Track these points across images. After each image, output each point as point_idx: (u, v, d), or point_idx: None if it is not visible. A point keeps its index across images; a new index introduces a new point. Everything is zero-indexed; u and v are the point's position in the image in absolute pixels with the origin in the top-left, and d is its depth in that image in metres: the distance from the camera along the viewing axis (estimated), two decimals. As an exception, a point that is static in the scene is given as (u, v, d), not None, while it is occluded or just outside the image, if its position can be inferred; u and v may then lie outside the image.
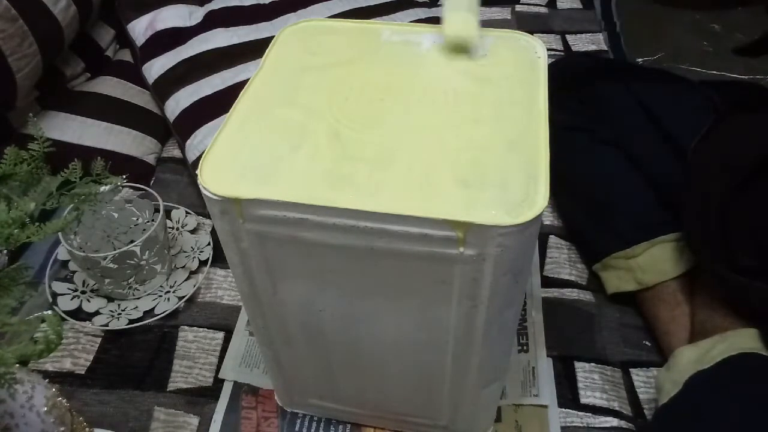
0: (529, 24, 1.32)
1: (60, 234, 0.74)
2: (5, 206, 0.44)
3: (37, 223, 0.45)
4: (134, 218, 0.85)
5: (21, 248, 0.87)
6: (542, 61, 0.54)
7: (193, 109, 0.97)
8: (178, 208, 0.91)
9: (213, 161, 0.47)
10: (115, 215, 0.84)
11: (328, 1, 1.15)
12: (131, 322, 0.78)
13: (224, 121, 0.50)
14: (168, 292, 0.82)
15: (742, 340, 0.66)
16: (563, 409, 0.71)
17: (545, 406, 0.71)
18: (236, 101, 0.52)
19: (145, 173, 0.99)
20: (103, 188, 0.52)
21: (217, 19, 1.09)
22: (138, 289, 0.81)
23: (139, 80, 1.08)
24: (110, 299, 0.81)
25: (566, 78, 0.88)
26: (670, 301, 0.76)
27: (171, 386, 0.74)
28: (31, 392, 0.49)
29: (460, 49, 0.55)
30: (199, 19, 1.10)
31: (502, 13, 1.36)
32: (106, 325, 0.77)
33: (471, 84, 0.52)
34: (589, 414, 0.70)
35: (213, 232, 0.89)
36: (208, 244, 0.87)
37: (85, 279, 0.83)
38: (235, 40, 1.05)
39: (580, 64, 0.94)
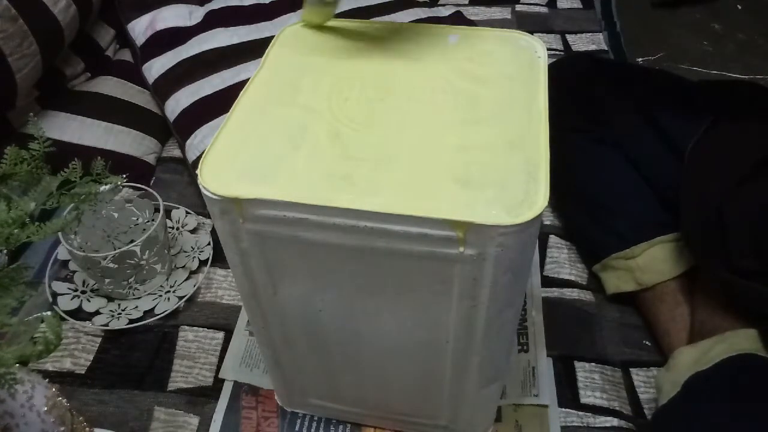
0: (529, 24, 1.32)
1: (60, 234, 0.74)
2: (5, 206, 0.44)
3: (37, 223, 0.45)
4: (134, 218, 0.85)
5: (21, 248, 0.87)
6: (542, 61, 0.54)
7: (193, 109, 0.97)
8: (178, 208, 0.91)
9: (213, 161, 0.47)
10: (115, 215, 0.84)
11: (328, 1, 1.14)
12: (131, 321, 0.78)
13: (224, 120, 0.50)
14: (168, 291, 0.82)
15: (742, 340, 0.66)
16: (563, 409, 0.71)
17: (545, 406, 0.71)
18: (236, 101, 0.52)
19: (145, 173, 0.99)
20: (103, 188, 0.52)
21: (217, 19, 1.09)
22: (138, 289, 0.81)
23: (139, 80, 1.08)
24: (110, 299, 0.81)
25: (566, 78, 0.88)
26: (669, 302, 0.76)
27: (171, 386, 0.74)
28: (31, 392, 0.49)
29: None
30: (199, 19, 1.10)
31: (502, 13, 1.36)
32: (106, 325, 0.77)
33: (471, 84, 0.52)
34: (589, 414, 0.70)
35: (213, 232, 0.89)
36: (208, 244, 0.87)
37: (85, 279, 0.83)
38: (235, 40, 1.05)
39: (580, 65, 0.94)
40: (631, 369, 0.76)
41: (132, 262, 0.76)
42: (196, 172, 0.46)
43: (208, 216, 0.90)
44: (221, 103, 0.91)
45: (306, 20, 0.60)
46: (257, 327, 0.58)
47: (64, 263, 0.86)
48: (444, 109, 0.50)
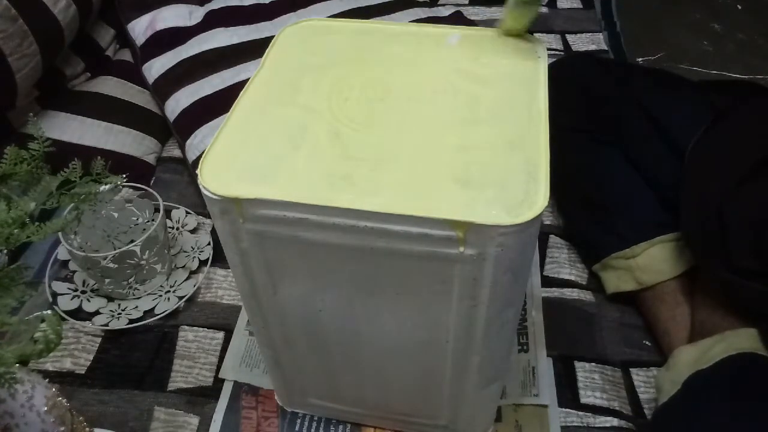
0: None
1: (60, 234, 0.74)
2: (5, 206, 0.44)
3: (37, 223, 0.45)
4: (134, 218, 0.85)
5: (21, 248, 0.87)
6: (542, 61, 0.54)
7: (193, 109, 0.97)
8: (178, 208, 0.91)
9: (213, 161, 0.47)
10: (115, 215, 0.84)
11: (328, 1, 1.15)
12: (131, 321, 0.78)
13: (224, 120, 0.50)
14: (168, 291, 0.82)
15: (741, 340, 0.66)
16: (563, 409, 0.71)
17: (545, 406, 0.71)
18: (236, 101, 0.52)
19: (145, 173, 0.99)
20: (103, 188, 0.52)
21: (217, 19, 1.09)
22: (138, 289, 0.81)
23: (139, 80, 1.08)
24: (110, 299, 0.81)
25: (566, 78, 0.88)
26: (669, 301, 0.76)
27: (171, 386, 0.74)
28: (31, 392, 0.49)
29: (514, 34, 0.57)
30: (199, 19, 1.10)
31: (502, 13, 1.36)
32: (106, 325, 0.77)
33: (471, 84, 0.52)
34: (589, 414, 0.70)
35: (213, 232, 0.89)
36: (208, 244, 0.87)
37: (85, 279, 0.83)
38: (235, 40, 1.05)
39: (580, 64, 0.94)
40: (631, 369, 0.76)
41: (132, 262, 0.76)
42: (196, 172, 0.47)
43: (208, 216, 0.90)
44: (221, 103, 0.91)
45: (508, 27, 0.57)
46: (257, 327, 0.58)
47: (64, 263, 0.86)
48: (444, 109, 0.50)
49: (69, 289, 0.82)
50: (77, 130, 0.98)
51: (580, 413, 0.70)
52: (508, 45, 0.56)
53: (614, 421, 0.69)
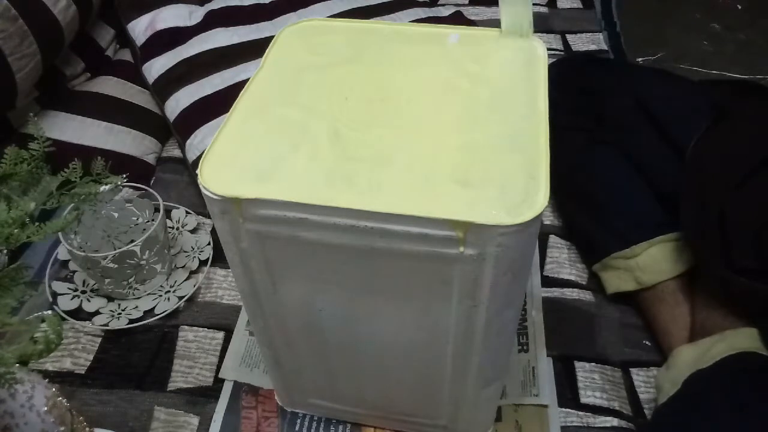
0: (529, 24, 1.32)
1: (60, 234, 0.74)
2: (5, 206, 0.44)
3: (37, 223, 0.45)
4: (134, 218, 0.85)
5: (21, 248, 0.87)
6: (542, 61, 0.54)
7: (193, 109, 0.97)
8: (178, 208, 0.91)
9: (213, 161, 0.47)
10: (115, 215, 0.84)
11: (328, 1, 1.15)
12: (131, 321, 0.78)
13: (224, 120, 0.50)
14: (168, 291, 0.82)
15: (742, 339, 0.66)
16: (563, 409, 0.71)
17: (545, 406, 0.71)
18: (236, 101, 0.52)
19: (145, 173, 0.99)
20: (103, 188, 0.52)
21: (217, 19, 1.09)
22: (138, 289, 0.81)
23: (139, 80, 1.08)
24: (110, 299, 0.81)
25: (566, 78, 0.88)
26: (669, 301, 0.76)
27: (171, 386, 0.74)
28: (31, 392, 0.49)
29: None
30: (199, 19, 1.10)
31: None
32: (106, 325, 0.77)
33: (471, 84, 0.52)
34: (589, 414, 0.70)
35: (213, 232, 0.89)
36: (208, 243, 0.87)
37: (85, 279, 0.83)
38: (235, 40, 1.05)
39: (580, 64, 0.94)
40: (631, 369, 0.76)
41: (132, 262, 0.76)
42: (196, 172, 0.47)
43: (208, 216, 0.90)
44: (221, 103, 0.91)
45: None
46: (257, 327, 0.58)
47: (64, 263, 0.86)
48: (444, 109, 0.50)
49: (69, 289, 0.82)
50: (77, 130, 0.98)
51: (580, 413, 0.70)
52: (508, 45, 0.56)
53: (614, 421, 0.69)
